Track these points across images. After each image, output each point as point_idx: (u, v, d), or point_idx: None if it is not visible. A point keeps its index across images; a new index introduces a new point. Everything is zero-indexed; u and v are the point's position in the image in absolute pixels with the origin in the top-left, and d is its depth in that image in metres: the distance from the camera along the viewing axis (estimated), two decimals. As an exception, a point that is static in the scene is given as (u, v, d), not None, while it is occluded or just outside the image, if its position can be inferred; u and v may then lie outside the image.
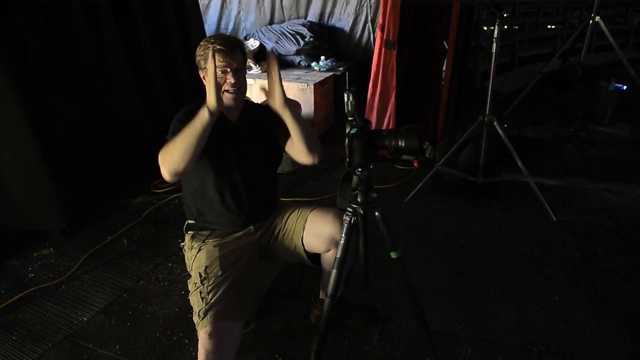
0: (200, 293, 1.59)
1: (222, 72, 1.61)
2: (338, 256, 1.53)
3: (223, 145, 1.68)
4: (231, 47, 1.61)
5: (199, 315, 1.54)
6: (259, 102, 1.94)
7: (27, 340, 1.91)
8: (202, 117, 1.46)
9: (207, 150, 1.55)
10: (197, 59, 1.66)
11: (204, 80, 1.67)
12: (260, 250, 1.85)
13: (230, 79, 1.62)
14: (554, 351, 1.85)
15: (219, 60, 1.58)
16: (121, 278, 2.31)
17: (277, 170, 1.92)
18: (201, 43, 1.65)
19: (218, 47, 1.58)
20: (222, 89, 1.62)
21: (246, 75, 1.74)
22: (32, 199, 2.52)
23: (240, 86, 1.66)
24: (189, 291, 1.67)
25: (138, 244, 2.59)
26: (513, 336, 1.93)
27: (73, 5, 2.70)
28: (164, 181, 3.20)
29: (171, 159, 1.49)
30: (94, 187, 2.93)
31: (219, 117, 1.65)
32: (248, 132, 1.76)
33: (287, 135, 1.66)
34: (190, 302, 1.64)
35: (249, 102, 1.86)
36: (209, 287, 1.59)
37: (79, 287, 2.24)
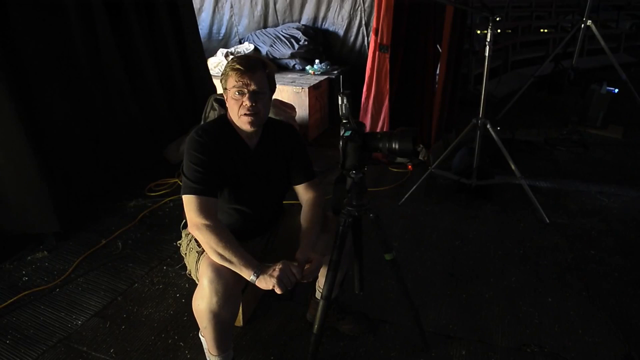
0: (198, 254, 1.58)
1: (238, 92, 1.50)
2: (332, 258, 1.53)
3: (238, 172, 1.63)
4: (250, 67, 1.49)
5: (198, 253, 1.54)
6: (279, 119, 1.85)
7: (21, 344, 1.90)
8: (244, 275, 1.42)
9: (221, 174, 1.56)
10: (220, 78, 1.61)
11: (226, 101, 1.60)
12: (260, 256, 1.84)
13: (246, 102, 1.50)
14: (547, 352, 1.86)
15: (235, 80, 1.49)
16: (116, 281, 2.30)
17: (286, 191, 1.83)
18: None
19: (236, 65, 1.49)
20: (239, 113, 1.53)
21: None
22: (26, 202, 2.51)
23: (258, 111, 1.53)
24: (188, 270, 1.68)
25: (133, 247, 2.58)
26: (507, 337, 1.94)
27: (68, 7, 2.70)
28: (158, 184, 3.22)
29: (208, 249, 1.46)
30: (89, 190, 2.92)
31: (238, 141, 1.62)
32: (266, 159, 1.68)
33: (299, 178, 1.73)
34: (188, 265, 1.66)
35: (271, 121, 1.72)
36: None
37: (74, 291, 2.23)
